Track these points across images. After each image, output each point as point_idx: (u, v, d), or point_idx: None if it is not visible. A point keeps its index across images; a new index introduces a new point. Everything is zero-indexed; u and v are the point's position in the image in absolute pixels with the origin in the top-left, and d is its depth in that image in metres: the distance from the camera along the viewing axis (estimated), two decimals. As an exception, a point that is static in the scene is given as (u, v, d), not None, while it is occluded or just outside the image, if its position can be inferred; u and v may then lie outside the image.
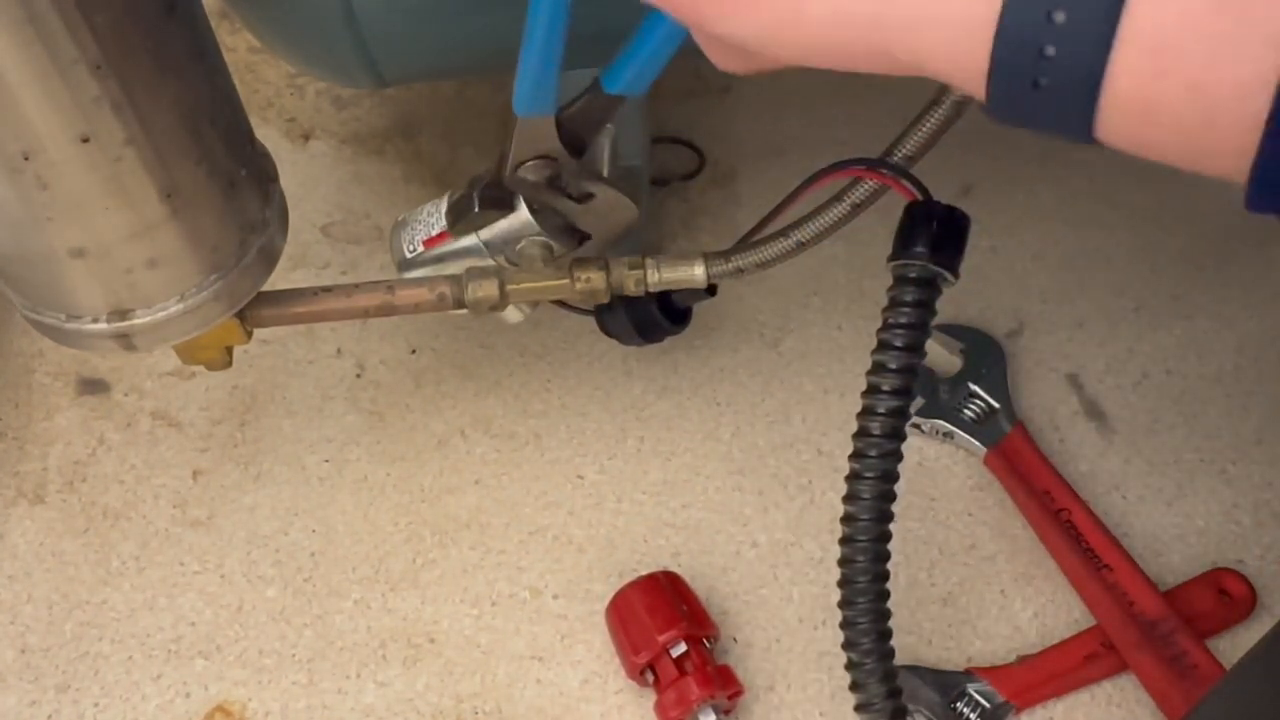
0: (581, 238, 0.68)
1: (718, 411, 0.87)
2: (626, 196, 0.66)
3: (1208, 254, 0.93)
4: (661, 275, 0.68)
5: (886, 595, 0.64)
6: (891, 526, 0.63)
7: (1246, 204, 0.34)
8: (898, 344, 0.59)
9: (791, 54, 0.41)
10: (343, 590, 0.80)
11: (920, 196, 0.61)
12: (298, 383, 0.89)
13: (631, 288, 0.68)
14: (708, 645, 0.74)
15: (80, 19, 0.48)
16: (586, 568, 0.81)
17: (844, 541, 0.63)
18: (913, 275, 0.59)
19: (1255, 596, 0.77)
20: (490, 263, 0.68)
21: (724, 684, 0.73)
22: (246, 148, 0.62)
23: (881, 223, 0.62)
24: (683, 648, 0.73)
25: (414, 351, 0.90)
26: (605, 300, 0.70)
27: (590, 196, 0.65)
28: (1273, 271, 0.92)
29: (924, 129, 0.60)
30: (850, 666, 0.65)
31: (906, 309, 0.59)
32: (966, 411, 0.84)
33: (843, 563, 0.64)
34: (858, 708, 0.66)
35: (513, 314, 0.71)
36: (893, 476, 0.61)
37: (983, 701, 0.74)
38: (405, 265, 0.70)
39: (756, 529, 0.82)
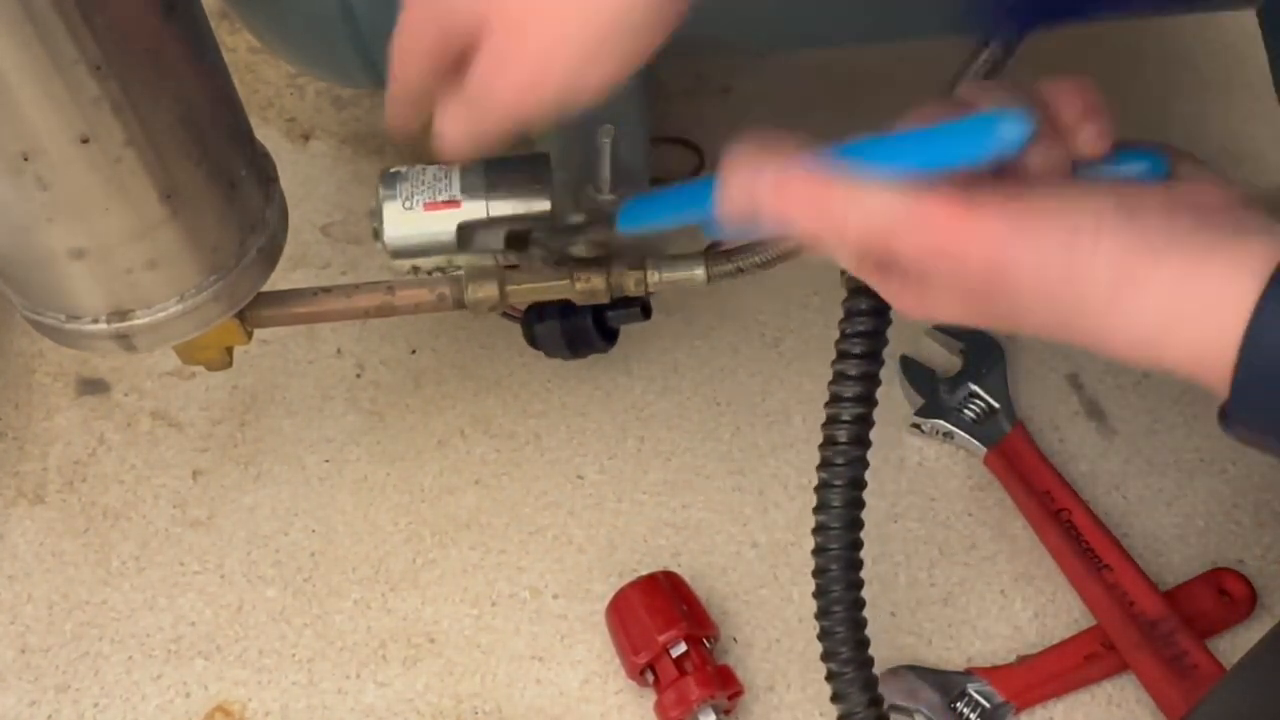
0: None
1: (718, 411, 0.87)
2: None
3: (1208, 254, 0.93)
4: (662, 275, 0.68)
5: (861, 604, 0.64)
6: (862, 534, 0.64)
7: None
8: (856, 352, 0.60)
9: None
10: (343, 590, 0.80)
11: None
12: (298, 383, 0.89)
13: (631, 288, 0.68)
14: (708, 645, 0.74)
15: (80, 19, 0.48)
16: (586, 568, 0.81)
17: (817, 551, 0.63)
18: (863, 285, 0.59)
19: (1255, 596, 0.77)
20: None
21: (724, 684, 0.73)
22: (246, 148, 0.62)
23: (881, 223, 0.62)
24: (683, 648, 0.73)
25: (414, 351, 0.90)
26: (605, 300, 0.70)
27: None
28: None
29: None
30: (830, 677, 0.65)
31: (862, 318, 0.59)
32: (966, 411, 0.84)
33: (817, 573, 0.64)
34: (840, 719, 0.66)
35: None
36: (861, 483, 0.62)
37: (983, 701, 0.74)
38: (389, 212, 0.67)
39: (756, 529, 0.82)
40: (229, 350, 0.71)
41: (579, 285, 0.68)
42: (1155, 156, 0.48)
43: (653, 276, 0.68)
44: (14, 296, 0.62)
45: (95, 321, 0.60)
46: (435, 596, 0.80)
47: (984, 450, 0.83)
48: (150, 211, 0.56)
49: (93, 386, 0.89)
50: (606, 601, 0.76)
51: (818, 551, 0.64)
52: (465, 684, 0.77)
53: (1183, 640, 0.74)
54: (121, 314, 0.60)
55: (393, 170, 0.68)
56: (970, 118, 0.46)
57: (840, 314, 0.62)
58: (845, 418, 0.61)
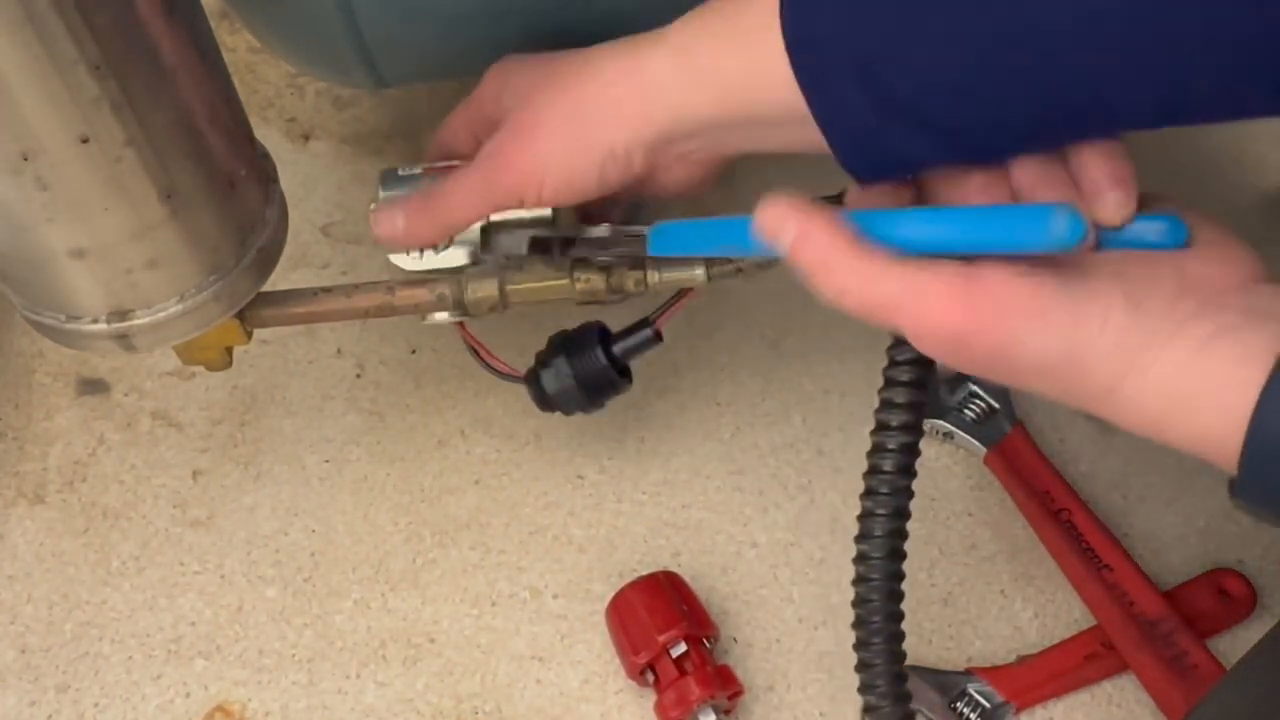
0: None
1: (718, 411, 0.87)
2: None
3: (1208, 254, 0.93)
4: (662, 276, 0.68)
5: (901, 636, 0.63)
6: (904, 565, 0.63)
7: None
8: (904, 379, 0.59)
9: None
10: (343, 590, 0.80)
11: None
12: (298, 383, 0.89)
13: (631, 288, 0.68)
14: (708, 645, 0.74)
15: (80, 19, 0.48)
16: (586, 568, 0.81)
17: (857, 581, 0.63)
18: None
19: (1255, 596, 0.77)
20: (475, 239, 0.67)
21: (724, 684, 0.73)
22: (246, 148, 0.62)
23: (881, 223, 0.62)
24: (683, 648, 0.73)
25: (414, 351, 0.90)
26: (605, 300, 0.70)
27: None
28: (1273, 271, 0.92)
29: None
30: (868, 711, 0.64)
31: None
32: (966, 411, 0.84)
33: (857, 602, 0.63)
34: None
35: (442, 316, 0.69)
36: (905, 513, 0.62)
37: (983, 701, 0.74)
38: (389, 182, 0.67)
39: (756, 529, 0.82)
40: (229, 350, 0.71)
41: (579, 285, 0.68)
42: (1174, 221, 0.48)
43: (653, 276, 0.68)
44: (14, 296, 0.62)
45: (95, 321, 0.60)
46: (435, 596, 0.80)
47: (984, 450, 0.83)
48: (150, 211, 0.56)
49: (93, 386, 0.89)
50: (606, 601, 0.76)
51: (859, 581, 0.63)
52: (465, 684, 0.77)
53: (1183, 640, 0.74)
54: (121, 314, 0.60)
55: (392, 167, 0.68)
56: (1026, 207, 0.47)
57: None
58: (892, 446, 0.60)
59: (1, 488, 0.85)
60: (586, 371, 0.71)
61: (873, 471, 0.61)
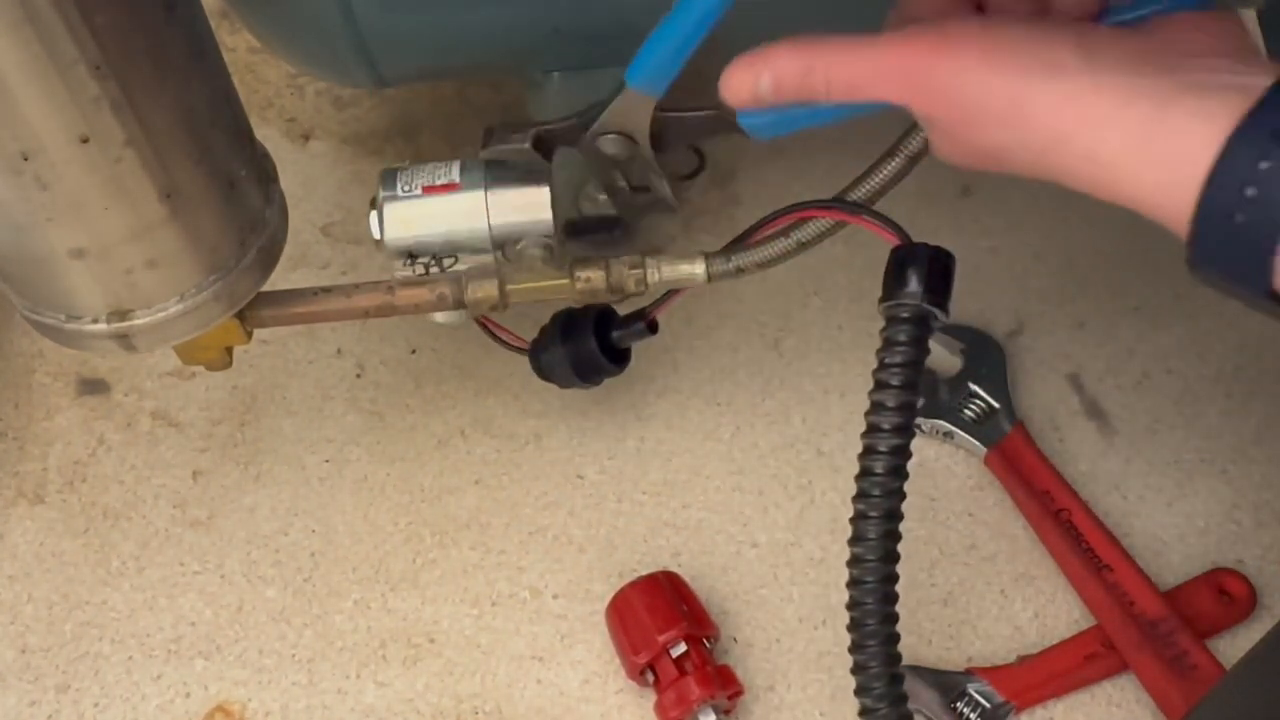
0: (610, 226, 0.67)
1: (718, 411, 0.87)
2: (671, 201, 0.66)
3: (1208, 254, 0.93)
4: (662, 274, 0.68)
5: (896, 639, 0.63)
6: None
7: None
8: (895, 383, 0.59)
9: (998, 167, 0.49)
10: (343, 590, 0.80)
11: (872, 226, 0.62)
12: (298, 383, 0.89)
13: (632, 287, 0.68)
14: (708, 645, 0.74)
15: (80, 19, 0.48)
16: (586, 568, 0.81)
17: (851, 584, 0.63)
18: (906, 315, 0.59)
19: (1255, 596, 0.77)
20: (477, 234, 0.67)
21: (724, 684, 0.73)
22: (246, 148, 0.62)
23: (881, 223, 0.62)
24: (683, 648, 0.73)
25: (414, 351, 0.90)
26: (605, 300, 0.70)
27: (645, 190, 0.65)
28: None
29: (885, 171, 0.62)
30: (864, 713, 0.64)
31: (902, 347, 0.59)
32: (966, 411, 0.84)
33: (851, 605, 0.63)
34: None
35: (443, 316, 0.70)
36: (897, 515, 0.62)
37: (983, 701, 0.74)
38: (387, 201, 0.66)
39: (756, 529, 0.82)
40: (229, 350, 0.71)
41: (579, 285, 0.68)
42: None
43: (653, 275, 0.68)
44: (14, 296, 0.62)
45: (95, 321, 0.60)
46: (435, 596, 0.80)
47: (984, 450, 0.83)
48: (150, 211, 0.56)
49: (93, 386, 0.89)
50: (606, 601, 0.76)
51: (852, 584, 0.63)
52: (465, 684, 0.77)
53: (1183, 640, 0.74)
54: (121, 314, 0.60)
55: (392, 166, 0.68)
56: None
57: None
58: (883, 449, 0.60)
59: (1, 488, 0.85)
60: (580, 353, 0.75)
61: (864, 473, 0.61)
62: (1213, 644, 0.75)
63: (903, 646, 0.64)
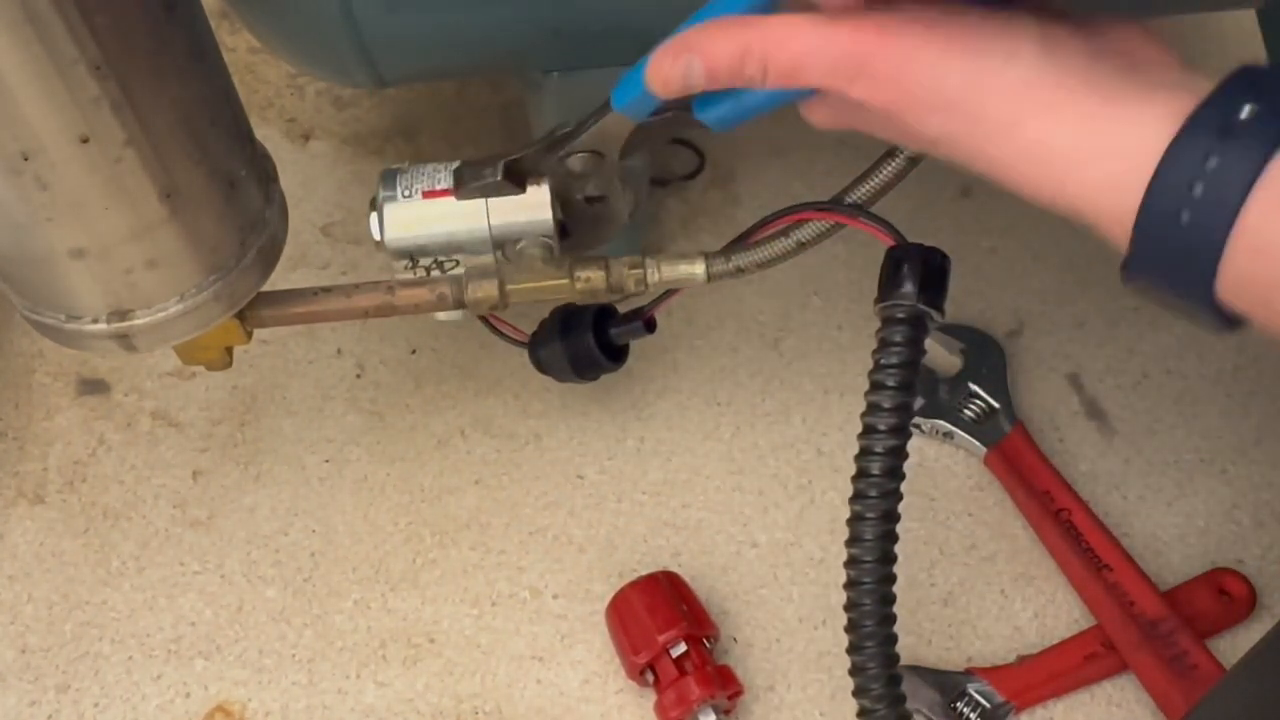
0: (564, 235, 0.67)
1: (718, 411, 0.87)
2: (622, 216, 0.66)
3: (1208, 254, 0.93)
4: (661, 274, 0.68)
5: (894, 639, 0.64)
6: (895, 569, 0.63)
7: None
8: (891, 384, 0.59)
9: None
10: (343, 590, 0.80)
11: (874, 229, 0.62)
12: (298, 383, 0.89)
13: (632, 287, 0.68)
14: (708, 645, 0.74)
15: (80, 19, 0.48)
16: (586, 568, 0.81)
17: (849, 585, 0.63)
18: (901, 315, 0.59)
19: (1255, 596, 0.77)
20: (476, 235, 0.66)
21: (724, 684, 0.73)
22: (246, 148, 0.62)
23: (881, 223, 0.62)
24: (683, 648, 0.73)
25: (414, 351, 0.90)
26: (605, 300, 0.70)
27: (600, 200, 0.65)
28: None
29: (885, 172, 0.62)
30: (862, 714, 0.64)
31: (898, 348, 0.59)
32: (966, 411, 0.84)
33: (849, 606, 0.63)
34: None
35: (444, 314, 0.70)
36: (894, 515, 0.62)
37: (983, 701, 0.74)
38: (388, 203, 0.66)
39: (756, 529, 0.82)
40: (229, 350, 0.71)
41: (579, 285, 0.68)
42: None
43: (652, 275, 0.68)
44: (14, 296, 0.62)
45: (95, 321, 0.60)
46: (435, 596, 0.80)
47: (984, 450, 0.83)
48: (150, 211, 0.56)
49: (93, 386, 0.89)
50: (606, 601, 0.76)
51: (850, 585, 0.63)
52: (465, 684, 0.77)
53: (1183, 640, 0.74)
54: (121, 314, 0.60)
55: (392, 167, 0.68)
56: None
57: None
58: (879, 449, 0.60)
59: (1, 488, 0.85)
60: (578, 349, 0.75)
61: (861, 474, 0.61)
62: (1213, 644, 0.75)
63: (903, 646, 0.64)
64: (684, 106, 0.57)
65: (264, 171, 0.65)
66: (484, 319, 0.73)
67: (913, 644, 0.77)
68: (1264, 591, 0.78)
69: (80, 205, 0.54)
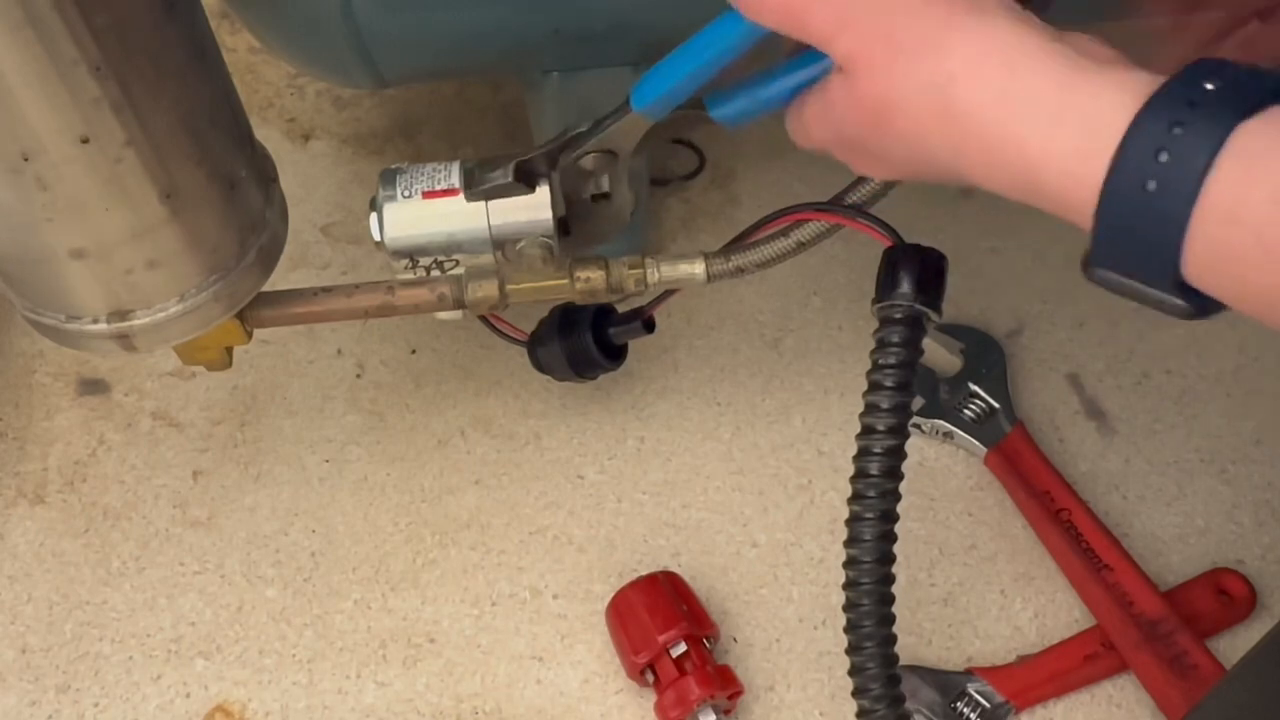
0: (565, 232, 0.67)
1: (718, 411, 0.87)
2: (625, 214, 0.66)
3: (1208, 254, 0.93)
4: (661, 274, 0.68)
5: (893, 639, 0.64)
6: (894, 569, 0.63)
7: None
8: (889, 384, 0.59)
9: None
10: (343, 590, 0.80)
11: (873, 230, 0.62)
12: (298, 383, 0.89)
13: (631, 287, 0.68)
14: (708, 645, 0.74)
15: (80, 20, 0.48)
16: (586, 568, 0.81)
17: (848, 586, 0.63)
18: (898, 316, 0.59)
19: (1255, 596, 0.77)
20: (476, 235, 0.66)
21: (724, 684, 0.73)
22: (246, 148, 0.62)
23: (881, 223, 0.62)
24: (683, 648, 0.73)
25: (414, 351, 0.90)
26: (605, 300, 0.70)
27: (605, 198, 0.65)
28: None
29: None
30: (861, 715, 0.65)
31: (895, 349, 0.59)
32: (966, 411, 0.84)
33: (848, 607, 0.63)
34: None
35: (444, 313, 0.70)
36: (893, 516, 0.62)
37: (983, 701, 0.74)
38: (387, 203, 0.65)
39: (756, 529, 0.82)
40: (229, 350, 0.71)
41: (579, 285, 0.68)
42: None
43: (652, 275, 0.68)
44: (14, 296, 0.62)
45: (95, 321, 0.60)
46: (435, 596, 0.80)
47: (984, 450, 0.83)
48: (150, 211, 0.56)
49: (93, 386, 0.89)
50: (606, 601, 0.76)
51: (849, 585, 0.63)
52: (465, 684, 0.77)
53: (1183, 640, 0.74)
54: (121, 314, 0.60)
55: (392, 167, 0.68)
56: None
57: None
58: (877, 449, 0.60)
59: (1, 488, 0.85)
60: (576, 349, 0.75)
61: (860, 474, 0.61)
62: (1213, 644, 0.75)
63: (903, 646, 0.65)
64: (697, 105, 0.58)
65: (264, 172, 0.65)
66: (483, 318, 0.73)
67: (913, 644, 0.77)
68: (1264, 591, 0.78)
69: (80, 206, 0.54)
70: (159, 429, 0.87)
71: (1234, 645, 0.76)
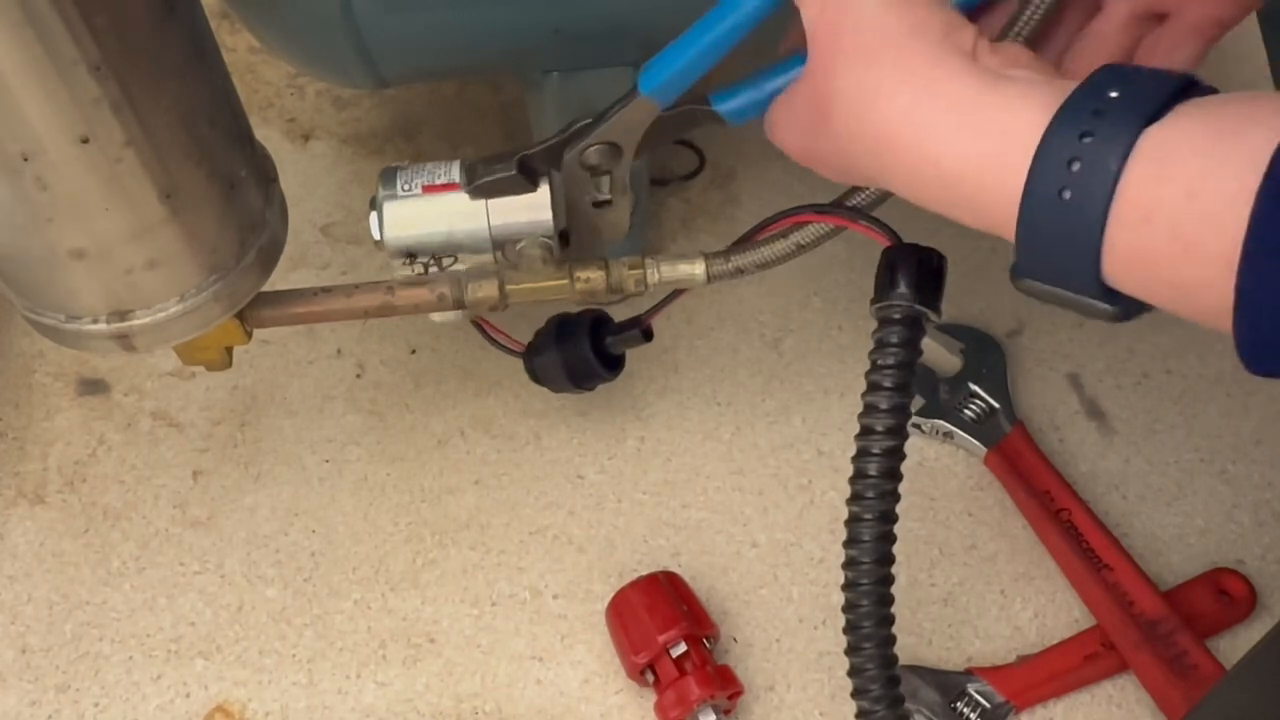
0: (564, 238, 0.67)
1: (718, 411, 0.87)
2: (625, 223, 0.66)
3: (1208, 254, 0.93)
4: (661, 275, 0.68)
5: (892, 640, 0.64)
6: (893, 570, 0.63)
7: (1243, 359, 0.38)
8: (887, 384, 0.59)
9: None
10: (343, 590, 0.80)
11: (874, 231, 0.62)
12: (298, 383, 0.89)
13: (632, 287, 0.68)
14: (708, 645, 0.74)
15: (80, 20, 0.48)
16: (586, 568, 0.81)
17: (847, 586, 0.63)
18: (897, 316, 0.59)
19: (1255, 596, 0.77)
20: (476, 235, 0.66)
21: (724, 684, 0.73)
22: (246, 148, 0.62)
23: (881, 223, 0.62)
24: (683, 648, 0.73)
25: (414, 351, 0.90)
26: (605, 300, 0.70)
27: (606, 204, 0.65)
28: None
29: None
30: (861, 715, 0.65)
31: (894, 349, 0.59)
32: (966, 411, 0.84)
33: (847, 608, 0.63)
34: None
35: (440, 315, 0.69)
36: (892, 516, 0.62)
37: (983, 701, 0.74)
38: (387, 200, 0.65)
39: (756, 529, 0.82)
40: (229, 350, 0.71)
41: (579, 285, 0.68)
42: None
43: (652, 276, 0.68)
44: (14, 296, 0.62)
45: (95, 321, 0.60)
46: (435, 596, 0.80)
47: (984, 450, 0.83)
48: (150, 211, 0.56)
49: (93, 386, 0.89)
50: (606, 601, 0.76)
51: (848, 586, 0.63)
52: (465, 684, 0.77)
53: (1183, 640, 0.74)
54: (121, 314, 0.60)
55: (392, 166, 0.68)
56: None
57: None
58: (876, 450, 0.60)
59: (1, 488, 0.85)
60: (574, 358, 0.75)
61: (858, 475, 0.61)
62: (1213, 644, 0.75)
63: (903, 646, 0.64)
64: (701, 100, 0.58)
65: (264, 172, 0.65)
66: (479, 327, 0.73)
67: (913, 644, 0.77)
68: (1264, 591, 0.78)
69: (80, 206, 0.54)
70: (159, 429, 0.87)
71: (1234, 645, 0.76)
